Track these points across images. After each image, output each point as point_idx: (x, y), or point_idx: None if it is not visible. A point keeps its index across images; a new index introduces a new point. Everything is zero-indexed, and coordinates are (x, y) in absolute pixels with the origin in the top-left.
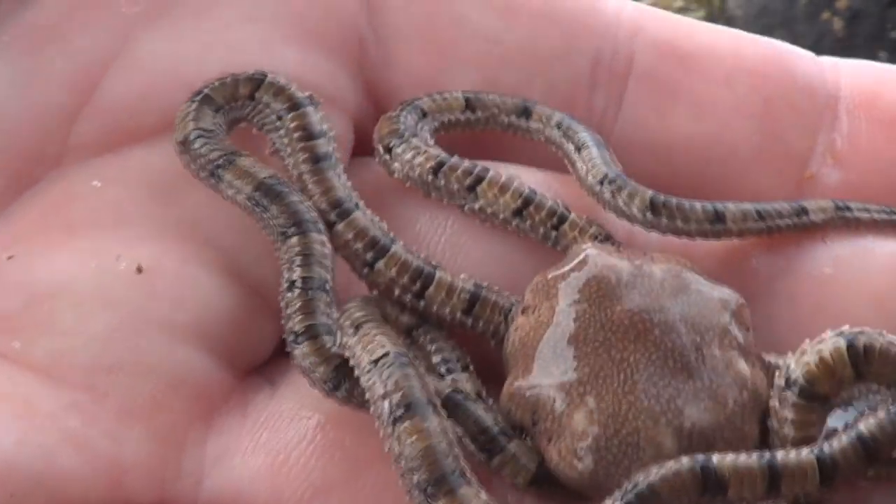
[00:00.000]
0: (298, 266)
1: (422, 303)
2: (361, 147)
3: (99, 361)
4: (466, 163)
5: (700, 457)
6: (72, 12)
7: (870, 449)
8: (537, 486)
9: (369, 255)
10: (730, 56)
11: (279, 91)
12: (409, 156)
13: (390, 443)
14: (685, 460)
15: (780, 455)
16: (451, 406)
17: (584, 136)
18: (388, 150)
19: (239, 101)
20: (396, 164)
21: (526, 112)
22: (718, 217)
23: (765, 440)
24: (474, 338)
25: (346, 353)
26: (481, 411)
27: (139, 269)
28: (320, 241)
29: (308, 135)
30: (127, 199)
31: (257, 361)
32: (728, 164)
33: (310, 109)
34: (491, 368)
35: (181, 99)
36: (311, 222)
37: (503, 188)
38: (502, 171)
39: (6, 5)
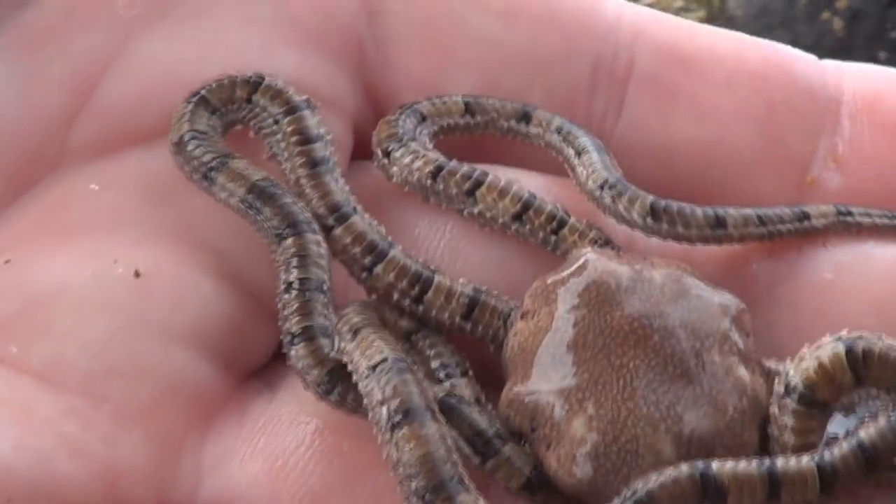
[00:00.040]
0: (295, 267)
1: (420, 307)
2: (361, 150)
3: (96, 366)
4: (465, 167)
5: (699, 464)
6: (70, 14)
7: (870, 456)
8: (531, 492)
9: (368, 260)
10: (731, 59)
11: (276, 94)
12: (407, 160)
13: (388, 449)
14: (684, 467)
15: (780, 462)
16: (446, 409)
17: (584, 140)
18: (387, 153)
19: (235, 103)
20: (395, 168)
21: (525, 117)
22: (719, 222)
23: (765, 447)
24: (473, 343)
25: (345, 359)
26: (476, 414)
27: (137, 273)
28: (316, 242)
29: (305, 139)
30: (125, 202)
31: (255, 365)
32: (729, 167)
33: (307, 113)
34: (490, 374)
35: (179, 101)
36: (306, 223)
37: (502, 192)
38: (502, 175)
39: (4, 7)
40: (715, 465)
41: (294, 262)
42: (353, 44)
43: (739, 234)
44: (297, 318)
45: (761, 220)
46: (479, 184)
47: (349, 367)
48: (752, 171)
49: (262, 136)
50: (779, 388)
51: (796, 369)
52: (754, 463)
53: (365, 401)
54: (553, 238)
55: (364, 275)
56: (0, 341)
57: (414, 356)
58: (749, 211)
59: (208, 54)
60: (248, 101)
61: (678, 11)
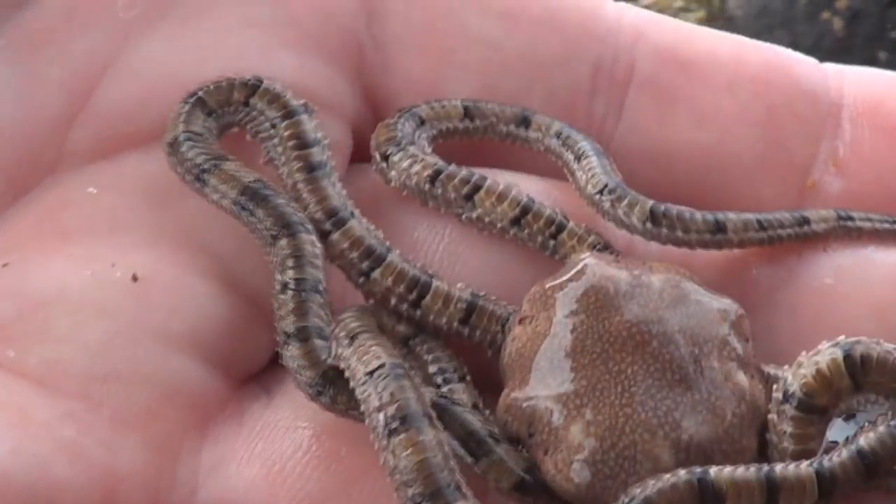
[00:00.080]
0: (290, 268)
1: (418, 312)
2: (360, 154)
3: (94, 370)
4: (464, 171)
5: (697, 469)
6: (69, 15)
7: (869, 463)
8: (523, 493)
9: (365, 265)
10: (732, 63)
11: (274, 98)
12: (405, 164)
13: (385, 455)
14: (682, 473)
15: (778, 468)
16: (438, 411)
17: (584, 144)
18: (385, 157)
19: (232, 105)
20: (393, 173)
21: (525, 121)
22: (719, 227)
23: (764, 453)
24: (471, 348)
25: (342, 365)
26: (468, 415)
27: (134, 277)
28: (310, 242)
29: (302, 143)
30: (123, 205)
31: (253, 370)
32: (730, 172)
33: (304, 118)
34: (488, 379)
35: (178, 103)
36: (299, 223)
37: (501, 197)
38: (501, 179)
39: (3, 8)
40: (713, 471)
41: (289, 262)
42: (353, 46)
43: (739, 238)
44: (293, 319)
45: (761, 225)
46: (477, 188)
47: (346, 373)
48: (752, 176)
49: (259, 140)
50: (777, 394)
51: (794, 375)
52: (753, 469)
53: (362, 407)
54: (552, 242)
55: (362, 280)
56: None
57: (411, 361)
58: (749, 215)
59: (207, 56)
60: (246, 104)
61: (678, 11)
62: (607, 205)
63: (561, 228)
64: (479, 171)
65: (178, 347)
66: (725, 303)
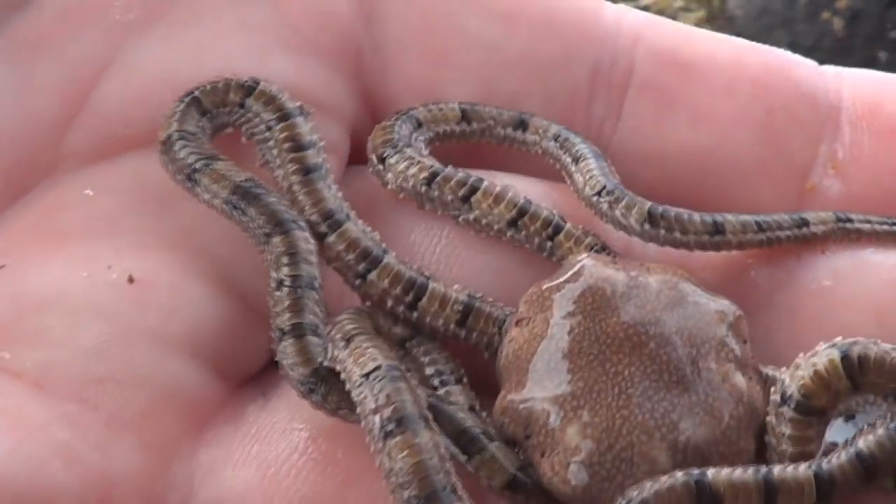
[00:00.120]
0: (285, 265)
1: (415, 314)
2: (358, 156)
3: (90, 373)
4: (460, 173)
5: (695, 471)
6: (65, 19)
7: (868, 466)
8: (515, 491)
9: (361, 267)
10: (731, 65)
11: (270, 100)
12: (402, 166)
13: (381, 458)
14: (679, 475)
15: (776, 470)
16: (430, 409)
17: (582, 147)
18: (382, 159)
19: (228, 106)
20: (390, 175)
21: (522, 124)
22: (718, 228)
23: (761, 454)
24: (468, 350)
25: (338, 367)
26: (461, 413)
27: (131, 280)
28: (304, 239)
29: (297, 146)
30: (119, 208)
31: (249, 372)
32: (728, 174)
33: (299, 120)
34: (484, 381)
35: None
36: (292, 220)
37: (498, 199)
38: (498, 181)
39: (1, 10)
40: (710, 472)
41: (284, 259)
42: (351, 48)
43: (738, 240)
44: (288, 315)
45: (760, 227)
46: (474, 190)
47: (342, 375)
48: (751, 178)
49: (254, 141)
50: (775, 396)
51: (792, 377)
52: (750, 471)
53: (358, 409)
54: (549, 244)
55: (358, 282)
56: None
57: (408, 363)
58: (748, 217)
59: (205, 59)
60: (241, 105)
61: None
62: (605, 206)
63: (558, 230)
64: (475, 174)
65: (174, 350)
66: (723, 304)
